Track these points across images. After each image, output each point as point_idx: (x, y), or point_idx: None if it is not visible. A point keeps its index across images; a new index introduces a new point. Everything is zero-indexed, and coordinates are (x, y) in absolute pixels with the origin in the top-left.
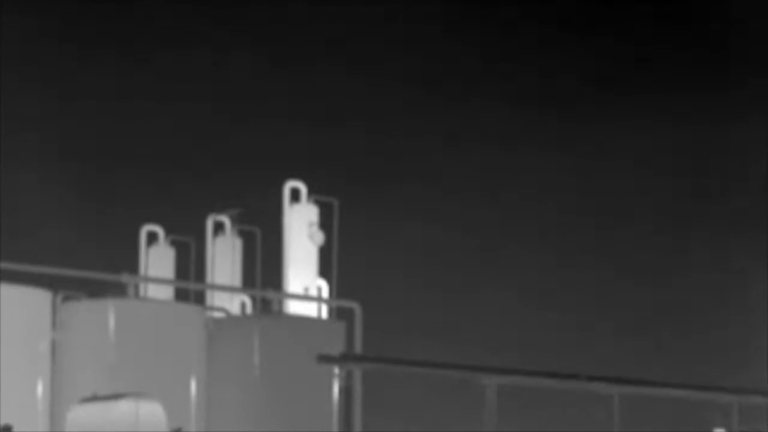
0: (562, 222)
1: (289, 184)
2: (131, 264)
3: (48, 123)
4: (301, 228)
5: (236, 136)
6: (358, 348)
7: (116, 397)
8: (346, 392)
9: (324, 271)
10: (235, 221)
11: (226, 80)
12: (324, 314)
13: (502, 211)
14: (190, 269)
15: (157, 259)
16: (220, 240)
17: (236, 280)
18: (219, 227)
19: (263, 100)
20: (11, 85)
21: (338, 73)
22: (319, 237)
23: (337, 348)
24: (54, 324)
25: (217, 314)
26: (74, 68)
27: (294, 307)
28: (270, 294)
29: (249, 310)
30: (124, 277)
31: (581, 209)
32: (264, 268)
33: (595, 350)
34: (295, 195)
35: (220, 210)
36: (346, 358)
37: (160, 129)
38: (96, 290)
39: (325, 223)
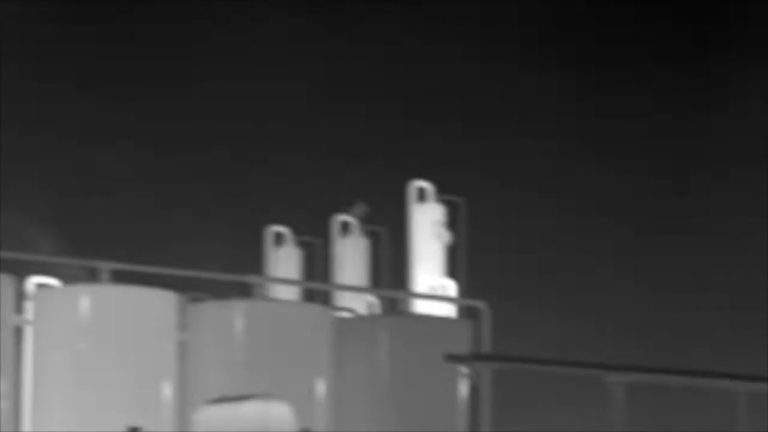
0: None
1: (416, 184)
2: (258, 265)
3: (180, 124)
4: (428, 227)
5: (362, 136)
6: (485, 347)
7: (244, 398)
8: (474, 392)
9: (451, 271)
10: (361, 221)
11: (354, 80)
12: (451, 314)
13: (627, 213)
14: (317, 270)
15: (284, 260)
16: (347, 240)
17: (363, 279)
18: (345, 227)
19: (391, 99)
20: (141, 86)
21: (470, 72)
22: (446, 236)
23: (464, 347)
24: (181, 326)
25: (344, 314)
26: (200, 70)
27: (421, 307)
28: (397, 293)
29: (376, 310)
30: (251, 279)
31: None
32: (391, 267)
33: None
34: (422, 195)
35: (346, 210)
36: (474, 358)
37: (286, 130)
38: (223, 292)
39: (451, 223)
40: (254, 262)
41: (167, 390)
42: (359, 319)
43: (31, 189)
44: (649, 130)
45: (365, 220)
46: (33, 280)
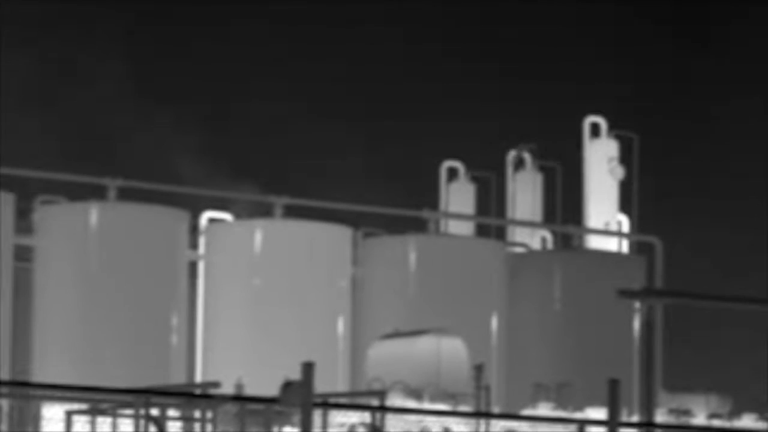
0: None
1: (589, 119)
2: (432, 200)
3: (343, 67)
4: (601, 163)
5: (536, 74)
6: (658, 283)
7: (418, 333)
8: (647, 327)
9: (624, 206)
10: (535, 156)
11: (530, 21)
12: (624, 249)
13: None
14: (491, 205)
15: (458, 195)
16: (521, 175)
17: (537, 215)
18: (519, 163)
19: (564, 39)
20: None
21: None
22: (619, 172)
23: (637, 283)
24: (355, 260)
25: (518, 249)
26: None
27: (594, 242)
28: (570, 229)
29: (549, 245)
30: (425, 213)
31: None
32: (564, 203)
33: None
34: (595, 130)
35: (519, 145)
36: (647, 293)
37: (460, 70)
38: (397, 226)
39: (624, 158)
40: (429, 197)
41: (340, 325)
42: (533, 254)
43: (206, 127)
44: None
45: (538, 155)
46: (206, 215)
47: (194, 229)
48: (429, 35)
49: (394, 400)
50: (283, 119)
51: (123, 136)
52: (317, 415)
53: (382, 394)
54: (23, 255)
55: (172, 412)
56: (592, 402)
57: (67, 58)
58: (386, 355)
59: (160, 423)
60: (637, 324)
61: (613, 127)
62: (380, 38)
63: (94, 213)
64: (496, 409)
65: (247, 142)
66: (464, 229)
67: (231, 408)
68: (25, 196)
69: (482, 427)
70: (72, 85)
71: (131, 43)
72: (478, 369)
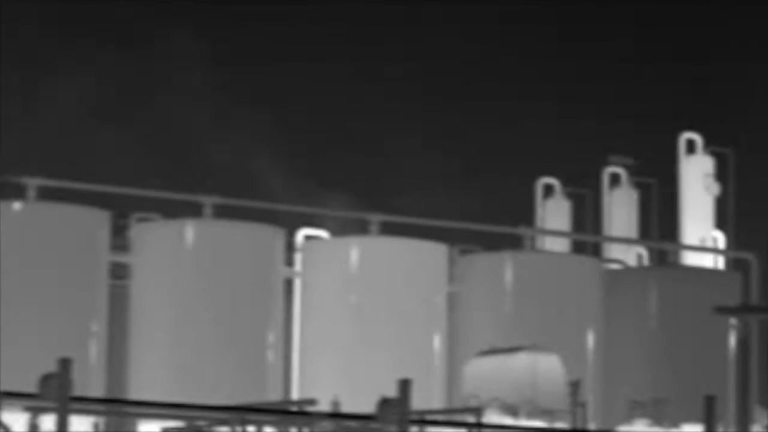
0: None
1: (685, 136)
2: (528, 216)
3: (439, 85)
4: (697, 179)
5: (632, 91)
6: (754, 299)
7: (514, 349)
8: (743, 343)
9: (720, 223)
10: (631, 173)
11: (614, 36)
12: (720, 265)
13: None
14: (587, 221)
15: (554, 211)
16: (617, 191)
17: (632, 231)
18: (615, 179)
19: (660, 56)
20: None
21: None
22: (715, 188)
23: (733, 299)
24: (451, 277)
25: (614, 266)
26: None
27: (690, 259)
28: (666, 245)
29: (645, 261)
30: (521, 230)
31: None
32: (660, 219)
33: None
34: (691, 146)
35: (615, 161)
36: (743, 309)
37: (555, 87)
38: (493, 243)
39: (720, 175)
40: (525, 214)
41: (437, 342)
42: (629, 270)
43: (302, 143)
44: None
45: (635, 172)
46: (302, 232)
47: (290, 246)
48: (525, 54)
49: (491, 417)
50: (379, 136)
51: (218, 153)
52: None
53: (478, 411)
54: (119, 272)
55: (268, 430)
56: (688, 418)
57: (161, 74)
58: (483, 372)
59: None
60: (732, 340)
61: (708, 144)
62: (476, 57)
63: (189, 230)
64: (592, 426)
65: (342, 157)
66: (560, 245)
67: (327, 425)
68: (121, 213)
69: None
70: (166, 100)
71: (222, 59)
72: (575, 385)
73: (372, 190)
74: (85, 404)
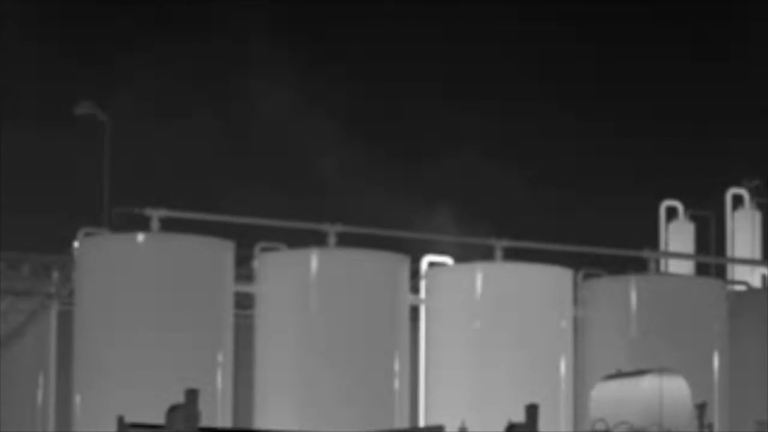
0: None
1: None
2: (652, 239)
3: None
4: None
5: (753, 112)
6: None
7: (640, 373)
8: None
9: None
10: (753, 194)
11: (739, 61)
12: None
13: None
14: (711, 243)
15: (678, 234)
16: (740, 213)
17: (756, 252)
18: (738, 200)
19: None
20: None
21: None
22: None
23: None
24: (576, 301)
25: (738, 287)
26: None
27: None
28: None
29: None
30: (645, 253)
31: None
32: None
33: None
34: None
35: (739, 183)
36: None
37: (674, 108)
38: (616, 266)
39: None
40: (648, 237)
41: (563, 366)
42: (753, 292)
43: (424, 170)
44: None
45: (758, 193)
46: (427, 259)
47: (415, 274)
48: (654, 75)
49: None
50: (492, 158)
51: (339, 181)
52: None
53: None
54: (244, 303)
55: None
56: None
57: (276, 105)
58: (609, 396)
59: None
60: None
61: None
62: (588, 75)
63: (314, 259)
64: None
65: (463, 185)
66: (684, 268)
67: None
68: (245, 243)
69: None
70: (287, 130)
71: (347, 89)
72: (701, 408)
73: (496, 214)
74: None
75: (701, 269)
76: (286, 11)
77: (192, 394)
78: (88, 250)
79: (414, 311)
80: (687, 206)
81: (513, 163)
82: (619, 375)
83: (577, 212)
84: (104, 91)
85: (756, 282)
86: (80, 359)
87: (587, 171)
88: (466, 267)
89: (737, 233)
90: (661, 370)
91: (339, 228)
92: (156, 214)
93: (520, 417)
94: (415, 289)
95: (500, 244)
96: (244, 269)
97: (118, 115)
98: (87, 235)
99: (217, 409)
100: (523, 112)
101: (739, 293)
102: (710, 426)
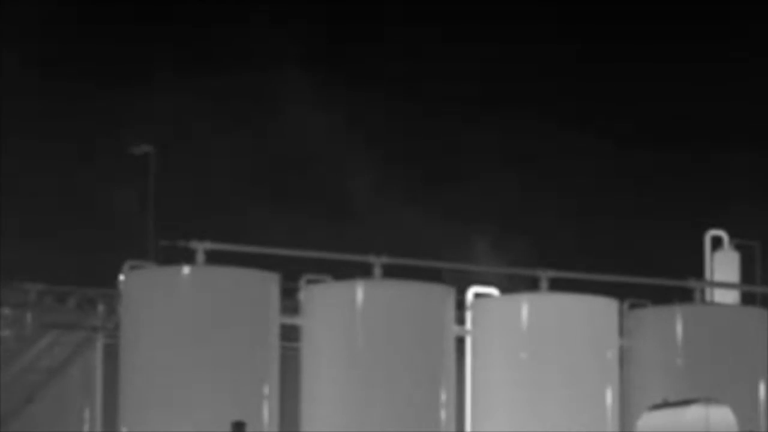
0: None
1: None
2: (697, 269)
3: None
4: None
5: None
6: None
7: (686, 402)
8: None
9: None
10: None
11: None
12: None
13: None
14: (756, 273)
15: (723, 264)
16: None
17: None
18: None
19: None
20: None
21: None
22: None
23: None
24: (622, 331)
25: None
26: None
27: None
28: None
29: None
30: (691, 283)
31: None
32: None
33: None
34: None
35: None
36: None
37: (718, 136)
38: (662, 297)
39: None
40: (694, 267)
41: (609, 396)
42: None
43: (472, 202)
44: None
45: None
46: (472, 290)
47: (461, 305)
48: (703, 106)
49: None
50: (534, 191)
51: (384, 213)
52: None
53: None
54: (290, 335)
55: None
56: None
57: (322, 139)
58: (655, 426)
59: None
60: None
61: None
62: (637, 96)
63: (360, 291)
64: None
65: (503, 212)
66: (730, 298)
67: None
68: (291, 275)
69: None
70: (327, 163)
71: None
72: None
73: (537, 245)
74: None
75: (746, 299)
76: (323, 38)
77: (239, 427)
78: (134, 283)
79: (460, 342)
80: (732, 236)
81: (553, 191)
82: (665, 405)
83: (623, 242)
84: (145, 123)
85: None
86: (126, 393)
87: (630, 199)
88: (512, 298)
89: None
90: (707, 400)
91: (384, 260)
92: (201, 247)
93: None
94: (460, 321)
95: (546, 275)
96: (289, 301)
97: (160, 148)
98: (132, 268)
99: None
100: (565, 142)
101: None
102: None
